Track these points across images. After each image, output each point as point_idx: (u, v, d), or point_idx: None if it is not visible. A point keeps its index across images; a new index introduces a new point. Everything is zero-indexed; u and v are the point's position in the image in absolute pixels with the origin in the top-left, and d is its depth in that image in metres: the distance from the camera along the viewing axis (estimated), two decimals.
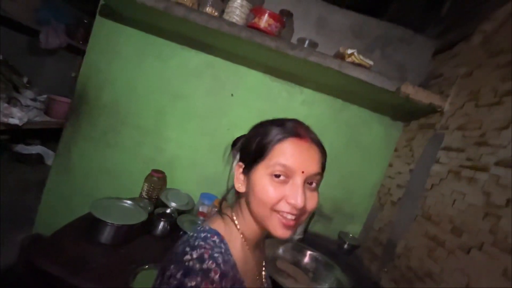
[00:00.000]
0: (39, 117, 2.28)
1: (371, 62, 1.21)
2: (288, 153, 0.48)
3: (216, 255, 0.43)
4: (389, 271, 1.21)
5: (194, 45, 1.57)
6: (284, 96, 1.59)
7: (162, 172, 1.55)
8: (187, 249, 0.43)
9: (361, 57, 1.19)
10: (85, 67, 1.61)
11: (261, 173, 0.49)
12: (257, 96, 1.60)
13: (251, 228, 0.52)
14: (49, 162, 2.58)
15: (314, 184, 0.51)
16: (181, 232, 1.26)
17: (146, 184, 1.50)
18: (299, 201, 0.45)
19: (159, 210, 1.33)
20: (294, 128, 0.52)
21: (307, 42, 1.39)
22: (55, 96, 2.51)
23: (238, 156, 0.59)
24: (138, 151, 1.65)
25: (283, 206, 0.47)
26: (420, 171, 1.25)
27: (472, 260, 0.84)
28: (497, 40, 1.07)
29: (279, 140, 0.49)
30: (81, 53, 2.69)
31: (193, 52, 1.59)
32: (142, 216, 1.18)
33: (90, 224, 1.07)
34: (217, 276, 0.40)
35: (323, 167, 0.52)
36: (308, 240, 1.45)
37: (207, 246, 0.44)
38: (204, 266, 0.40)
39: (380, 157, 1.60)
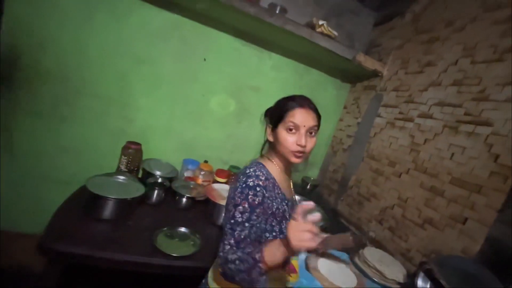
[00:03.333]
0: None
1: (336, 33, 1.40)
2: (295, 116, 0.75)
3: (263, 170, 0.75)
4: (344, 199, 1.65)
5: (156, 1, 1.41)
6: (254, 61, 1.67)
7: (138, 144, 1.50)
8: (247, 168, 0.75)
9: (329, 28, 1.36)
10: (9, 22, 1.26)
11: (281, 129, 0.76)
12: (229, 60, 1.62)
13: (280, 160, 0.81)
14: None
15: (313, 133, 0.78)
16: (177, 197, 1.35)
17: (125, 157, 1.44)
18: (302, 142, 0.74)
19: (150, 180, 1.35)
20: (299, 101, 0.78)
21: (278, 8, 1.45)
22: None
23: (268, 121, 0.84)
24: (103, 123, 1.51)
25: (295, 147, 0.75)
26: (366, 123, 1.63)
27: (402, 181, 1.28)
28: (423, 20, 1.41)
29: (291, 109, 0.76)
30: None
31: (155, 10, 1.43)
32: (140, 189, 1.20)
33: (90, 203, 1.05)
34: (263, 178, 0.72)
35: (318, 123, 0.81)
36: None
37: (258, 166, 0.75)
38: (257, 173, 0.72)
39: (333, 114, 1.95)
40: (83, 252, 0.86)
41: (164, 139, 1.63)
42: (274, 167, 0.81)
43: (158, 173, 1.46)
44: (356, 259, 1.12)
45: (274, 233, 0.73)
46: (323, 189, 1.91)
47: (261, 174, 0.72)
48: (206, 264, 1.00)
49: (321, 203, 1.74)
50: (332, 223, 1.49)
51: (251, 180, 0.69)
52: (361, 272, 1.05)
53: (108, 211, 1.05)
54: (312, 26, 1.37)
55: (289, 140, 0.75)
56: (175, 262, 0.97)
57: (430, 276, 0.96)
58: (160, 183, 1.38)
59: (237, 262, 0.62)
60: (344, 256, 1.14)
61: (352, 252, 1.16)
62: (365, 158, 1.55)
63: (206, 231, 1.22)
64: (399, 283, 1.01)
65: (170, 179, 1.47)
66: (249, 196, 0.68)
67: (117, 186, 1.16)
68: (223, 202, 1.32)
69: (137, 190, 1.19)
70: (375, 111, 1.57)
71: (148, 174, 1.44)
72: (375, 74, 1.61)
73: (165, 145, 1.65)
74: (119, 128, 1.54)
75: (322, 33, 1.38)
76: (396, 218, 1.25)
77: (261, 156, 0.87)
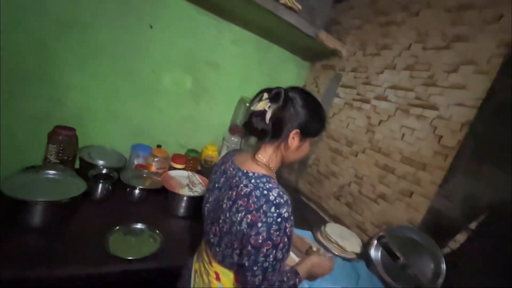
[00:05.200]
0: None
1: (300, 7, 1.32)
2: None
3: (283, 189, 0.61)
4: (305, 178, 1.71)
5: None
6: (213, 33, 1.48)
7: (72, 129, 1.23)
8: (265, 191, 0.58)
9: (294, 0, 1.27)
10: None
11: (309, 143, 0.71)
12: (182, 30, 1.40)
13: (277, 165, 0.71)
14: None
15: None
16: (128, 189, 1.19)
17: (53, 146, 1.18)
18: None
19: (93, 172, 1.14)
20: (326, 122, 0.74)
21: None
22: None
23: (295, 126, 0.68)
24: (19, 105, 1.18)
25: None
26: (325, 103, 1.66)
27: (358, 160, 1.36)
28: (381, 2, 1.42)
29: (323, 130, 0.73)
30: None
31: None
32: (80, 185, 1.00)
33: (10, 210, 0.83)
34: (290, 201, 0.60)
35: None
36: None
37: (275, 186, 0.60)
38: (285, 198, 0.58)
39: None
40: (9, 275, 0.68)
41: (106, 122, 1.38)
42: (273, 176, 0.69)
43: (101, 162, 1.25)
44: (319, 236, 1.18)
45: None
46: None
47: (287, 197, 0.60)
48: (172, 262, 0.92)
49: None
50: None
51: (285, 210, 0.57)
52: (323, 247, 1.12)
53: (37, 218, 0.85)
54: None
55: (307, 153, 0.74)
56: (135, 266, 0.86)
57: (387, 250, 1.07)
58: (106, 174, 1.18)
59: None
60: (309, 235, 1.20)
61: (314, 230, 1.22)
62: (324, 138, 1.61)
63: (167, 224, 1.12)
64: (356, 254, 1.12)
65: (118, 169, 1.28)
66: (287, 230, 0.57)
67: (47, 184, 0.95)
68: (182, 191, 1.22)
69: (77, 187, 0.99)
70: (333, 91, 1.60)
71: (88, 165, 1.22)
72: (335, 53, 1.62)
73: (109, 129, 1.40)
74: (43, 111, 1.23)
75: (285, 5, 1.28)
76: (353, 194, 1.35)
77: (255, 161, 0.68)
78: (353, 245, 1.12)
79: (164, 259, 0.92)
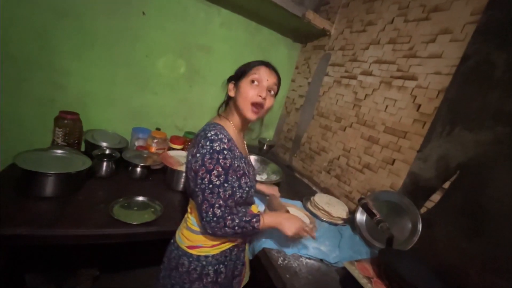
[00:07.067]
0: None
1: None
2: (259, 71, 0.79)
3: (223, 131, 0.74)
4: (298, 155, 1.78)
5: None
6: (202, 17, 1.53)
7: (75, 113, 1.32)
8: (207, 131, 0.73)
9: None
10: None
11: (244, 82, 0.78)
12: (172, 15, 1.46)
13: (237, 119, 0.83)
14: None
15: (272, 92, 0.82)
16: (131, 168, 1.28)
17: (60, 129, 1.27)
18: (263, 94, 0.77)
19: (97, 152, 1.24)
20: (264, 62, 0.82)
21: None
22: None
23: (231, 80, 0.84)
24: (24, 91, 1.27)
25: (255, 99, 0.77)
26: (315, 83, 1.71)
27: (346, 134, 1.42)
28: None
29: (256, 65, 0.79)
30: None
31: None
32: (85, 162, 1.10)
33: (24, 182, 0.93)
34: (226, 140, 0.73)
35: (278, 84, 0.84)
36: None
37: (217, 129, 0.74)
38: (220, 136, 0.72)
39: (285, 75, 1.97)
40: (28, 233, 0.78)
41: (106, 107, 1.47)
42: (230, 127, 0.83)
43: (104, 144, 1.34)
44: (308, 205, 1.26)
45: (241, 190, 0.77)
46: (278, 149, 2.02)
47: (224, 136, 0.73)
48: (170, 227, 1.02)
49: (277, 162, 1.86)
50: (287, 177, 1.63)
51: (217, 144, 0.70)
52: (312, 215, 1.20)
53: (49, 188, 0.95)
54: None
55: (250, 92, 0.77)
56: (136, 229, 0.96)
57: (365, 209, 1.15)
58: (109, 154, 1.28)
59: (236, 228, 0.71)
60: (299, 204, 1.28)
61: (303, 200, 1.30)
62: (315, 116, 1.66)
63: (166, 198, 1.21)
64: (343, 219, 1.20)
65: (120, 150, 1.37)
66: (220, 160, 0.70)
67: (55, 160, 1.04)
68: (181, 168, 1.30)
69: (83, 163, 1.08)
70: (323, 71, 1.64)
71: (93, 146, 1.31)
72: (324, 33, 1.65)
73: (109, 114, 1.49)
74: (48, 96, 1.32)
75: None
76: (342, 166, 1.42)
77: (218, 115, 0.86)
78: (339, 211, 1.20)
79: (164, 224, 1.02)
